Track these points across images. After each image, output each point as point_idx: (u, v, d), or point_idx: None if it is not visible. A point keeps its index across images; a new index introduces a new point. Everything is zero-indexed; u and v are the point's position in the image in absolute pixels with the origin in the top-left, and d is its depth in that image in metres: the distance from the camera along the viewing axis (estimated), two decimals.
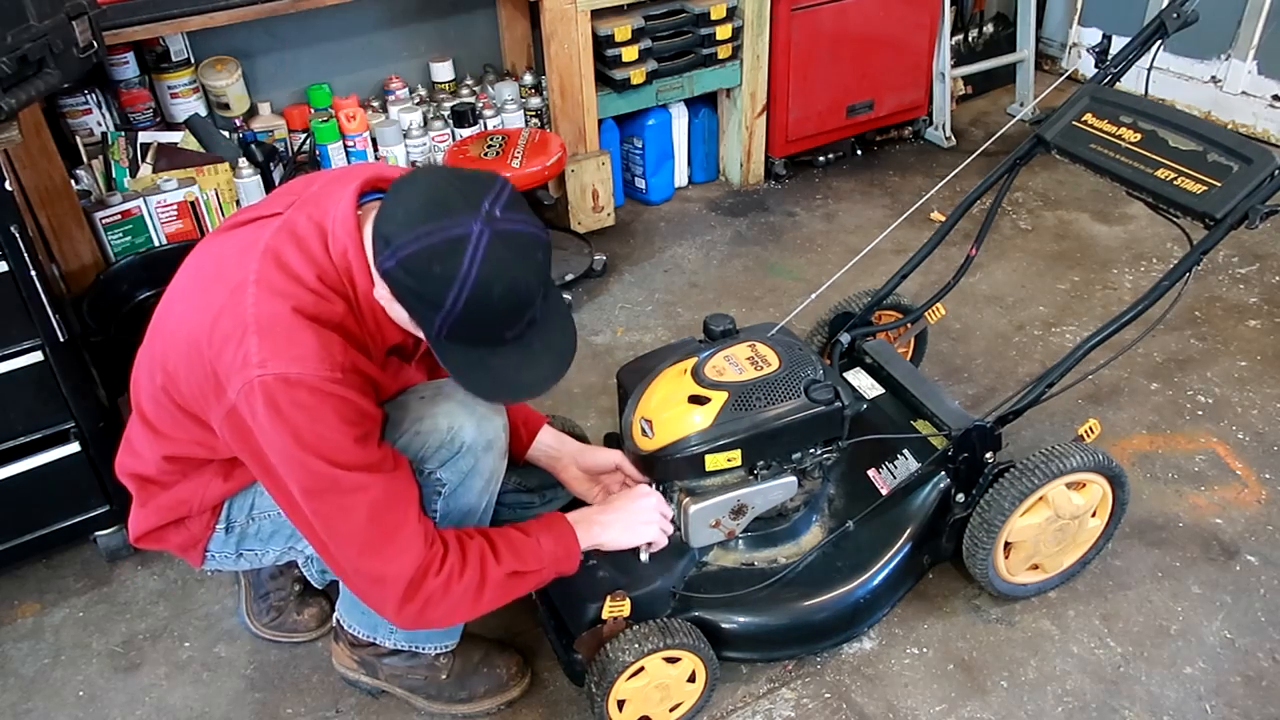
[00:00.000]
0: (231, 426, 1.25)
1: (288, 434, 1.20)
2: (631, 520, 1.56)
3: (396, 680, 1.67)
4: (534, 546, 1.43)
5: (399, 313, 1.25)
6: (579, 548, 1.49)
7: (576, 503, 1.69)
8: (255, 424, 1.22)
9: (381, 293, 1.24)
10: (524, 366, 1.28)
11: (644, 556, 1.61)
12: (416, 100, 2.97)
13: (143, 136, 2.55)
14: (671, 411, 1.61)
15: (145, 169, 2.47)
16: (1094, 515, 1.82)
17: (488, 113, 2.95)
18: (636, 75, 2.97)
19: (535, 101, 3.05)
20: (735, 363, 1.67)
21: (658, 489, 1.67)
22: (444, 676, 1.66)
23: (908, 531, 1.75)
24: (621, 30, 2.88)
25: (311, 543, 1.34)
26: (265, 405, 1.19)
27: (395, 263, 1.17)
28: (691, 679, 1.63)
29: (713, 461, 1.57)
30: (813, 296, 2.01)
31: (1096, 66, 1.95)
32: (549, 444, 1.71)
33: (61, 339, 1.75)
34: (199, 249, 1.39)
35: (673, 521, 1.65)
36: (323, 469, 1.22)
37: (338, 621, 1.66)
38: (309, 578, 1.80)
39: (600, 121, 3.06)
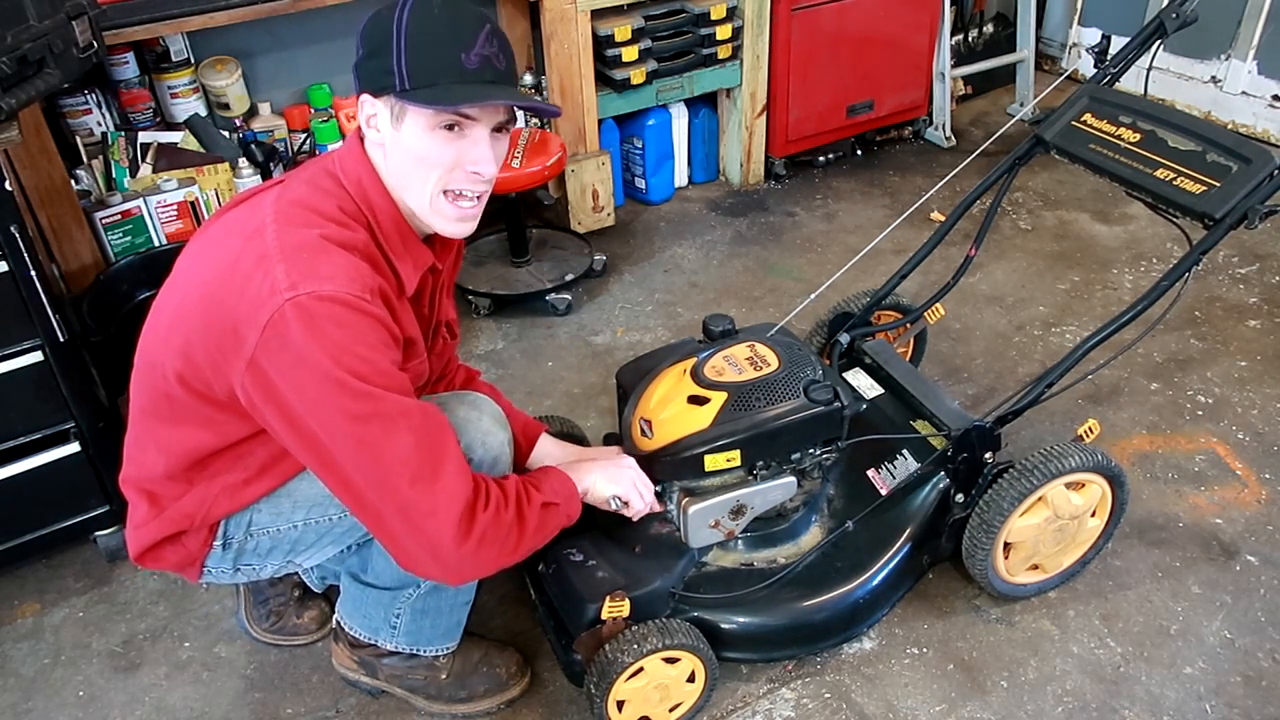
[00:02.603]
0: (255, 377, 1.19)
1: (327, 353, 1.16)
2: (609, 469, 1.54)
3: (396, 680, 1.67)
4: (546, 480, 1.43)
5: (375, 107, 1.27)
6: (575, 485, 1.47)
7: None
8: (286, 357, 1.16)
9: (363, 111, 1.28)
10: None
11: (614, 505, 1.56)
12: None
13: (143, 136, 2.55)
14: (671, 412, 1.61)
15: (145, 169, 2.47)
16: (1093, 515, 1.82)
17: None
18: (636, 75, 2.97)
19: None
20: (734, 363, 1.67)
21: (657, 489, 1.67)
22: (444, 676, 1.66)
23: (907, 532, 1.75)
24: (621, 30, 2.88)
25: (350, 499, 1.25)
26: (301, 325, 1.15)
27: (356, 58, 1.26)
28: (691, 679, 1.63)
29: (712, 462, 1.57)
30: (812, 296, 2.01)
31: (1096, 66, 1.95)
32: (548, 451, 1.71)
33: (61, 339, 1.75)
34: (194, 239, 1.39)
35: (671, 521, 1.65)
36: (366, 388, 1.18)
37: (338, 623, 1.66)
38: (308, 583, 1.80)
39: (600, 121, 3.06)
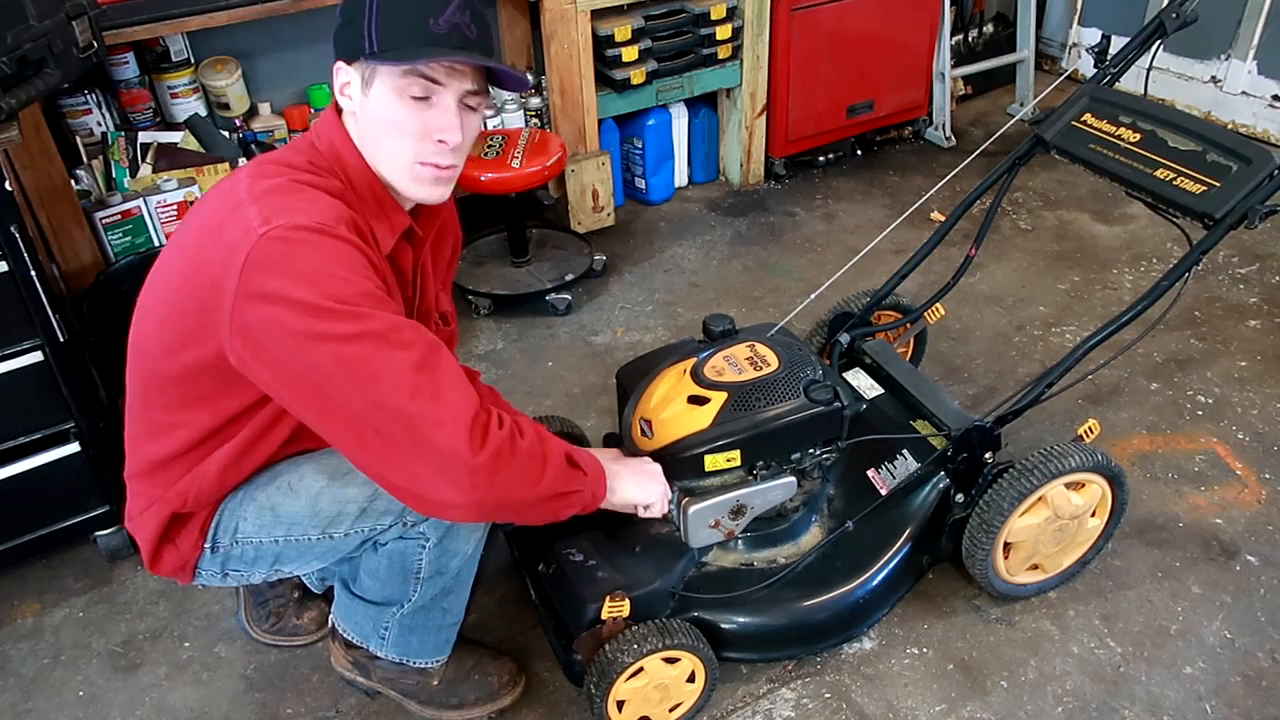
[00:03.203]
0: (239, 327, 1.17)
1: (307, 281, 1.14)
2: (641, 477, 1.51)
3: (389, 683, 1.66)
4: (576, 449, 1.38)
5: (349, 75, 1.27)
6: (605, 471, 1.42)
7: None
8: (266, 298, 1.14)
9: (337, 79, 1.29)
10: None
11: (640, 511, 1.54)
12: None
13: (143, 136, 2.55)
14: (671, 412, 1.61)
15: (145, 169, 2.47)
16: (1093, 515, 1.82)
17: (487, 112, 2.95)
18: (636, 75, 2.97)
19: (535, 101, 3.05)
20: (735, 363, 1.67)
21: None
22: (435, 683, 1.65)
23: (907, 532, 1.75)
24: (621, 30, 2.88)
25: (352, 440, 1.20)
26: (279, 257, 1.14)
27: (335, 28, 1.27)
28: (691, 679, 1.63)
29: (712, 462, 1.57)
30: (812, 296, 2.01)
31: (1096, 66, 1.95)
32: None
33: (61, 339, 1.75)
34: (168, 240, 1.40)
35: (671, 521, 1.65)
36: (351, 309, 1.15)
37: (333, 623, 1.65)
38: (308, 584, 1.80)
39: (600, 121, 3.06)
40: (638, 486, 1.50)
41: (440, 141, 1.28)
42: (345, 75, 1.29)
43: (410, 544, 1.43)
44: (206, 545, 1.43)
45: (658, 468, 1.56)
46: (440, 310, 1.58)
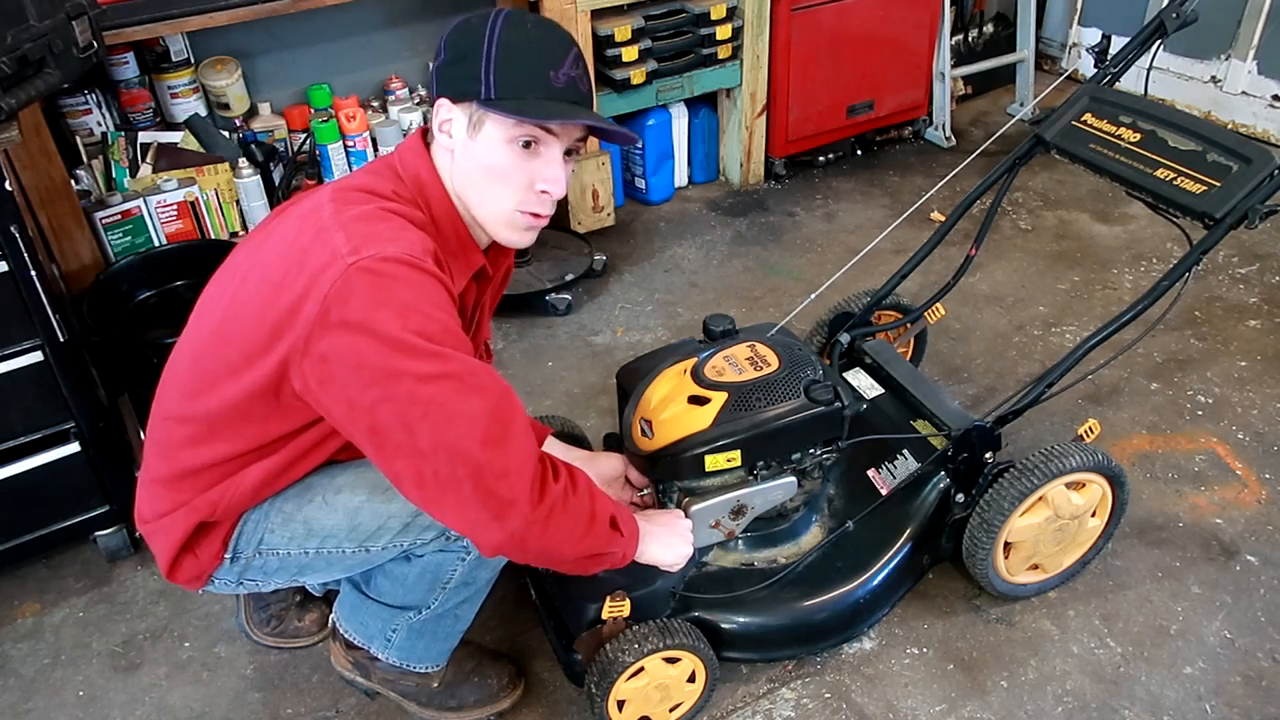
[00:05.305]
0: (315, 356, 1.15)
1: (395, 314, 1.12)
2: (671, 536, 1.54)
3: (388, 685, 1.66)
4: (623, 509, 1.40)
5: (453, 113, 1.26)
6: (639, 535, 1.44)
7: None
8: (349, 327, 1.12)
9: (438, 115, 1.27)
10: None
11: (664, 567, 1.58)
12: (417, 100, 2.97)
13: (143, 136, 2.55)
14: (671, 412, 1.61)
15: (145, 169, 2.47)
16: (1094, 515, 1.82)
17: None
18: (636, 75, 2.97)
19: None
20: (735, 363, 1.67)
21: (657, 489, 1.67)
22: (435, 685, 1.65)
23: (907, 531, 1.75)
24: (621, 30, 2.88)
25: (411, 477, 1.19)
26: (367, 289, 1.12)
27: (437, 61, 1.26)
28: (691, 679, 1.63)
29: (712, 462, 1.57)
30: (812, 296, 2.01)
31: (1096, 66, 1.95)
32: (555, 455, 1.69)
33: (61, 339, 1.75)
34: (244, 241, 1.37)
35: None
36: (434, 348, 1.14)
37: (334, 622, 1.65)
38: (309, 588, 1.80)
39: None
40: (665, 548, 1.53)
41: (544, 192, 1.29)
42: (449, 113, 1.27)
43: (449, 556, 1.43)
44: (226, 555, 1.40)
45: (688, 525, 1.58)
46: (485, 339, 1.58)
